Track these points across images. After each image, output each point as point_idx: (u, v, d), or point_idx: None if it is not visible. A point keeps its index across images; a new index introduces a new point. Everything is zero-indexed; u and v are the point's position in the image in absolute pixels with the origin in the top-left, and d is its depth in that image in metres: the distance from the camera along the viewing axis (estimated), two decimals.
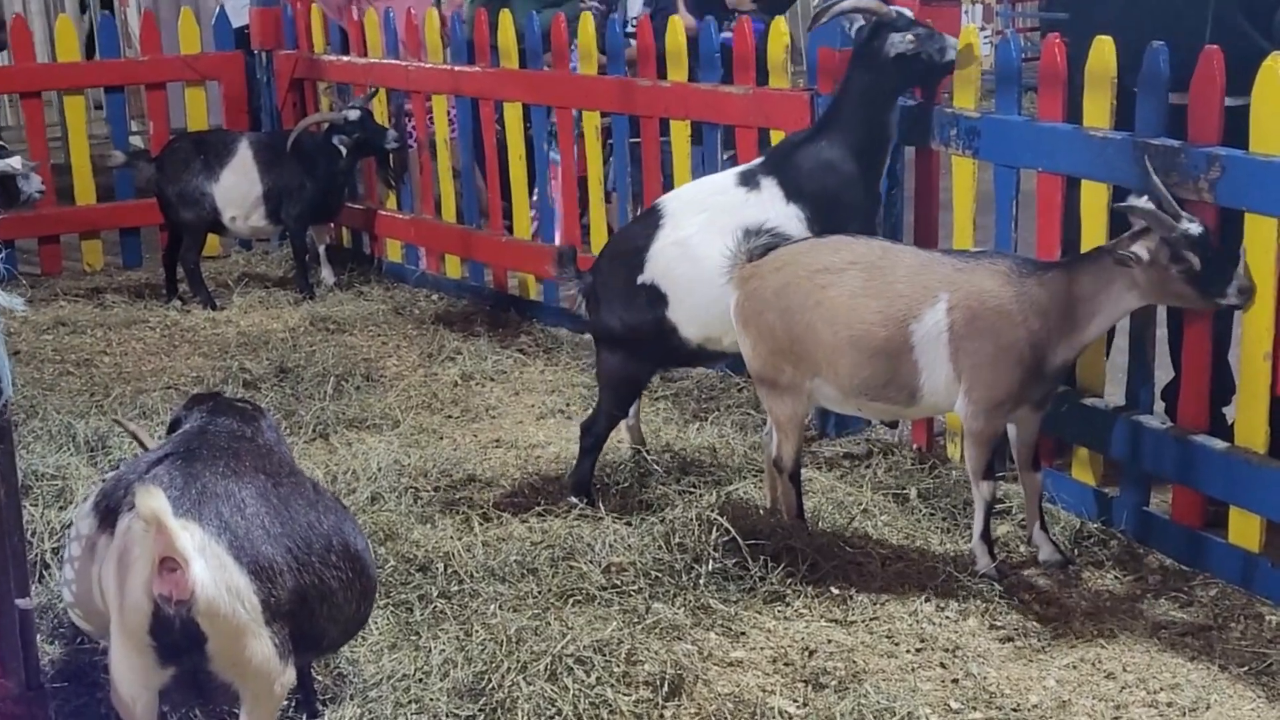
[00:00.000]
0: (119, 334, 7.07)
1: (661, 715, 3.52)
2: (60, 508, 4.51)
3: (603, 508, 4.66)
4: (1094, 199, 4.43)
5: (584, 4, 8.03)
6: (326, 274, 8.00)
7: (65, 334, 7.05)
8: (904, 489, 4.81)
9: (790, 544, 4.25)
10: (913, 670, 3.75)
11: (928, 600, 4.09)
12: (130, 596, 2.85)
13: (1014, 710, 3.56)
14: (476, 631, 3.84)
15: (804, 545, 4.27)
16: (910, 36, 4.74)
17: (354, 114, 7.63)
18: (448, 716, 3.52)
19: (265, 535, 2.95)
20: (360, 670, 3.75)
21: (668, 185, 5.94)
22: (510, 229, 7.25)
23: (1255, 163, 3.93)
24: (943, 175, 5.16)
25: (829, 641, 3.88)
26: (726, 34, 6.26)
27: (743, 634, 3.93)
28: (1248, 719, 3.53)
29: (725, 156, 5.98)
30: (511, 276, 7.36)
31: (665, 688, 3.58)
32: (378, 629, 3.93)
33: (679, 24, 6.11)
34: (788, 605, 4.08)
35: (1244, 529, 4.14)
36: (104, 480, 3.44)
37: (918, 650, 3.86)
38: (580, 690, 3.52)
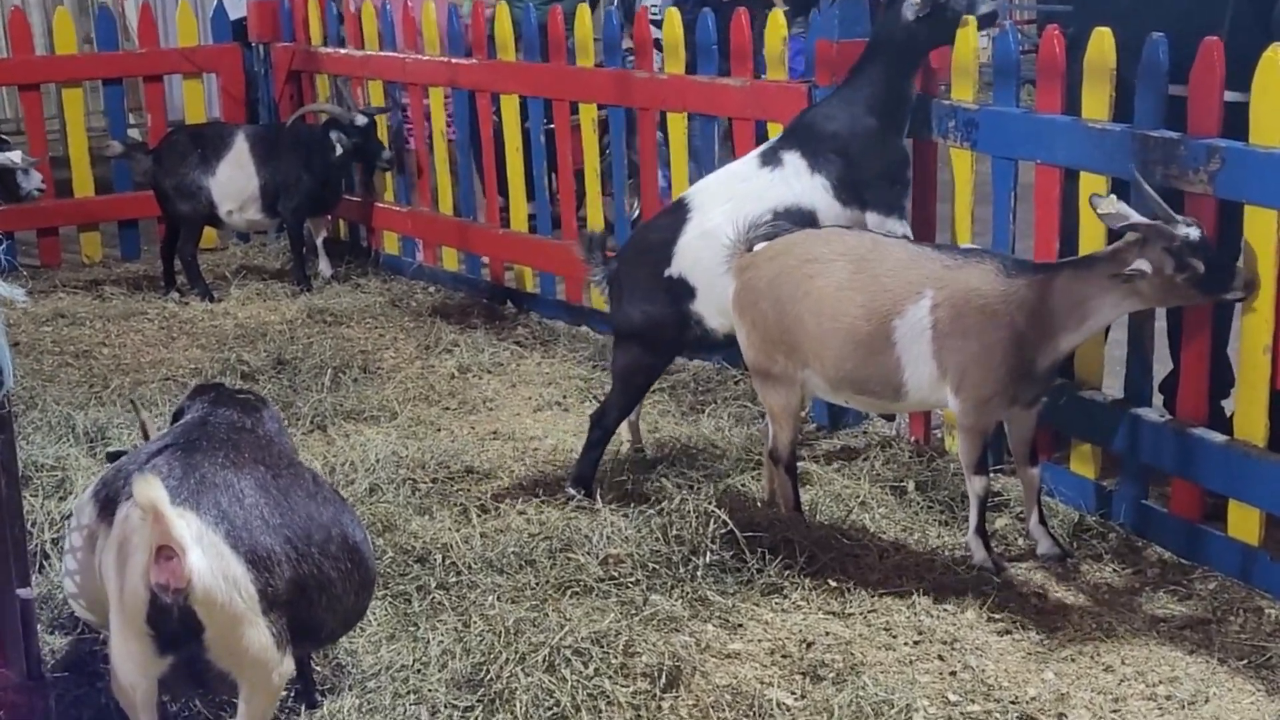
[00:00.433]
0: (118, 325, 7.07)
1: (659, 707, 3.52)
2: (60, 498, 4.54)
3: (600, 500, 4.66)
4: (1092, 191, 4.42)
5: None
6: (324, 266, 7.99)
7: (64, 326, 7.04)
8: (902, 482, 4.80)
9: (788, 536, 4.25)
10: (910, 662, 3.74)
11: (925, 593, 4.08)
12: (128, 585, 2.86)
13: (1012, 703, 3.55)
14: (474, 623, 3.84)
15: (802, 538, 4.26)
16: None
17: (361, 120, 7.63)
18: (446, 707, 3.52)
19: (263, 525, 2.95)
20: (359, 661, 3.75)
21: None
22: (507, 222, 7.24)
23: (1255, 154, 3.92)
24: (941, 167, 5.16)
25: (827, 634, 3.88)
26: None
27: (740, 626, 3.93)
28: (1247, 712, 3.53)
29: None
30: (508, 269, 7.36)
31: (663, 679, 3.58)
32: (376, 620, 3.94)
33: (676, 15, 6.10)
34: (785, 597, 4.08)
35: (1243, 522, 4.13)
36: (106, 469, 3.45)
37: (915, 642, 3.85)
38: (578, 681, 3.52)
